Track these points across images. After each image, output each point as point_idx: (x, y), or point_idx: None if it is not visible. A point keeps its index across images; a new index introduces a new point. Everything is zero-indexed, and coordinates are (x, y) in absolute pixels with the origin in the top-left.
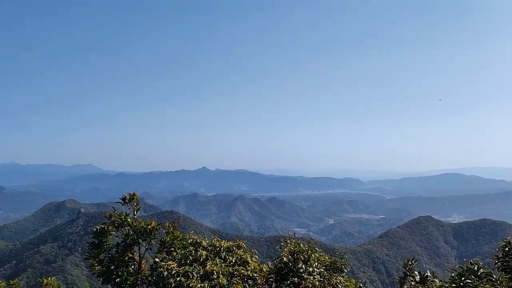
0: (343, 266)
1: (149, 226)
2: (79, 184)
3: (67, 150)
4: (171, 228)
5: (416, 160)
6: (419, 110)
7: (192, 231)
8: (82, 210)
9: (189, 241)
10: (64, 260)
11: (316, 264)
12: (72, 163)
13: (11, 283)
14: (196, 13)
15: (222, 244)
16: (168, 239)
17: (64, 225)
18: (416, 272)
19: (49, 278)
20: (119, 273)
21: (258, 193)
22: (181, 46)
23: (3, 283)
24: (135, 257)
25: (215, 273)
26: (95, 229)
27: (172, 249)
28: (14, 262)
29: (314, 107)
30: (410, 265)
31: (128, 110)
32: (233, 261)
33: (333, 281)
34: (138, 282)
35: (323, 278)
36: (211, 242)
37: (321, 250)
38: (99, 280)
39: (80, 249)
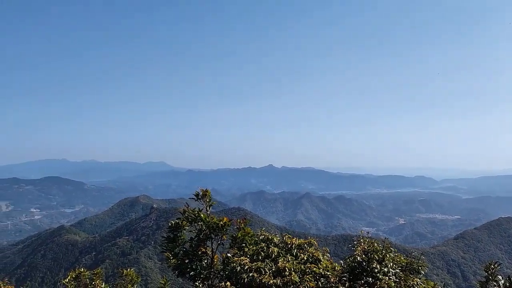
0: (420, 268)
1: (221, 222)
2: (152, 180)
3: (141, 148)
4: (242, 225)
5: (493, 158)
6: (498, 108)
7: (263, 228)
8: (155, 205)
9: (260, 238)
10: (139, 252)
11: (391, 264)
12: (145, 160)
13: (95, 272)
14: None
15: (293, 242)
16: (239, 235)
17: (138, 219)
18: (500, 277)
19: (129, 269)
20: (193, 267)
21: (324, 191)
22: (247, 47)
23: (87, 272)
24: (208, 252)
25: (287, 270)
26: (170, 224)
27: (244, 245)
28: (94, 253)
29: (379, 107)
30: (493, 269)
31: (198, 110)
32: (305, 258)
33: (410, 283)
34: (211, 276)
35: (398, 279)
36: (282, 239)
37: (396, 250)
38: (174, 273)
39: (153, 242)
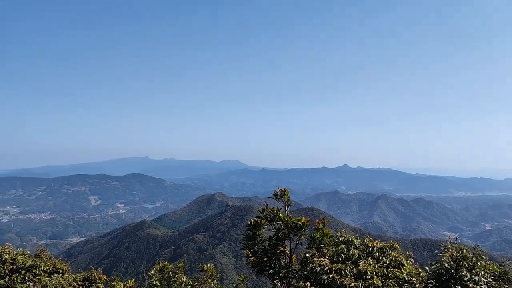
0: None
1: (300, 222)
2: (227, 178)
3: (217, 147)
4: (321, 225)
5: None
6: None
7: (343, 229)
8: (230, 203)
9: (340, 239)
10: (214, 249)
11: (483, 273)
12: (221, 159)
13: (178, 266)
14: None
15: (375, 244)
16: (318, 236)
17: (214, 216)
18: None
19: (209, 265)
20: (272, 265)
21: (402, 192)
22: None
23: (170, 265)
24: (286, 251)
25: (369, 273)
26: (249, 222)
27: (322, 245)
28: (172, 247)
29: (465, 106)
30: None
31: (275, 107)
32: (387, 262)
33: None
34: (289, 275)
35: None
36: (363, 241)
37: (487, 258)
38: (253, 270)
39: (228, 239)
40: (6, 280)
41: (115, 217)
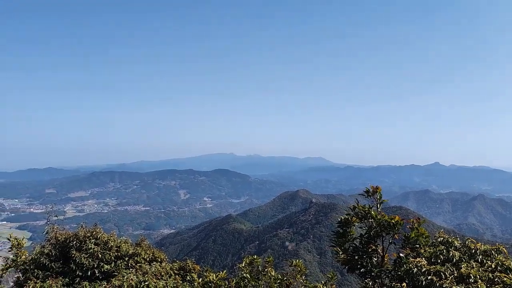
0: None
1: (393, 221)
2: (311, 175)
3: (300, 144)
4: (416, 224)
5: None
6: None
7: (442, 230)
8: (313, 200)
9: (438, 240)
10: (298, 245)
11: None
12: (305, 156)
13: (268, 260)
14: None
15: (478, 247)
16: (412, 235)
17: (297, 213)
18: None
19: (297, 260)
20: (364, 264)
21: (503, 193)
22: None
23: (259, 259)
24: (378, 250)
25: (472, 277)
26: (339, 219)
27: (417, 246)
28: (257, 242)
29: None
30: None
31: (355, 104)
32: (493, 266)
33: None
34: (382, 274)
35: None
36: (465, 242)
37: None
38: (344, 268)
39: (311, 236)
40: (112, 266)
41: (203, 210)
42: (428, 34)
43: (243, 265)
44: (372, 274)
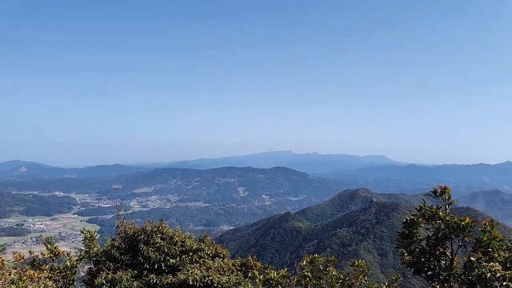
0: None
1: (463, 222)
2: (371, 174)
3: (361, 142)
4: (489, 227)
5: None
6: None
7: None
8: (374, 199)
9: None
10: (358, 245)
11: None
12: (365, 154)
13: (329, 259)
14: None
15: None
16: (485, 238)
17: (357, 212)
18: None
19: (360, 261)
20: (431, 266)
21: None
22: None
23: (320, 258)
24: (447, 253)
25: None
26: (405, 220)
27: (490, 249)
28: (315, 241)
29: None
30: None
31: (419, 100)
32: None
33: None
34: (450, 278)
35: None
36: None
37: None
38: (410, 270)
39: (372, 236)
40: (177, 260)
41: (261, 208)
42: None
43: (304, 264)
44: (440, 277)
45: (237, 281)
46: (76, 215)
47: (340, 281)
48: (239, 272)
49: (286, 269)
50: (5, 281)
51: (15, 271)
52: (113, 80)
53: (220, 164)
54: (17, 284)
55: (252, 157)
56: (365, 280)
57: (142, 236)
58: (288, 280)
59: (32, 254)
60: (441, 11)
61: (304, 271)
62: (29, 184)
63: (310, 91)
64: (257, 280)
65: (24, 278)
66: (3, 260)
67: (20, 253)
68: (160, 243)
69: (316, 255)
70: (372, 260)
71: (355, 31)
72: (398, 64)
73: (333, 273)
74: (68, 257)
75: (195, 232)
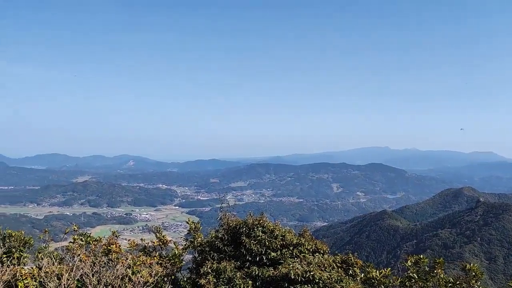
0: None
1: None
2: (478, 171)
3: (466, 136)
4: None
5: None
6: None
7: None
8: (481, 199)
9: None
10: (462, 247)
11: None
12: (471, 150)
13: (438, 261)
14: None
15: None
16: None
17: (461, 212)
18: None
19: (472, 264)
20: None
21: None
22: None
23: (426, 259)
24: None
25: None
26: None
27: None
28: (414, 241)
29: None
30: None
31: None
32: None
33: None
34: None
35: None
36: None
37: None
38: None
39: (479, 239)
40: (277, 254)
41: (356, 205)
42: None
43: (408, 264)
44: None
45: (339, 278)
46: (177, 207)
47: (450, 285)
48: (339, 269)
49: (389, 268)
50: (122, 265)
51: (131, 256)
52: (220, 81)
53: (313, 160)
54: (132, 269)
55: (346, 153)
56: (477, 285)
57: (244, 228)
58: (391, 281)
59: (143, 242)
60: None
61: (409, 272)
62: (136, 176)
63: (406, 86)
64: (358, 278)
65: (138, 263)
66: (119, 246)
67: (133, 240)
68: (261, 236)
69: (421, 256)
70: (479, 265)
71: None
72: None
73: (441, 276)
74: (175, 246)
75: (288, 227)
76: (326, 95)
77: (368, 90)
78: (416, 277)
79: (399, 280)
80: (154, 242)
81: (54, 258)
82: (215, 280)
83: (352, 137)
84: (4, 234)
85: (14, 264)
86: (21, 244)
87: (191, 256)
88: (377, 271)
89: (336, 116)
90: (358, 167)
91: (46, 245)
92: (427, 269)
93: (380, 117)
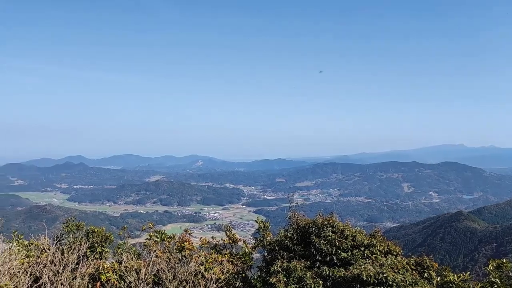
0: None
1: None
2: None
3: None
4: None
5: None
6: None
7: None
8: None
9: None
10: None
11: None
12: None
13: (505, 264)
14: None
15: None
16: None
17: None
18: None
19: None
20: None
21: None
22: None
23: (510, 264)
24: None
25: None
26: None
27: None
28: (494, 244)
29: None
30: None
31: None
32: None
33: None
34: None
35: None
36: None
37: None
38: None
39: None
40: (348, 254)
41: (428, 205)
42: None
43: (490, 269)
44: None
45: (413, 281)
46: (244, 206)
47: None
48: (414, 272)
49: (468, 273)
50: (196, 262)
51: (203, 253)
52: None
53: (382, 158)
54: (205, 265)
55: (417, 151)
56: None
57: (314, 228)
58: (470, 285)
59: (214, 240)
60: None
61: (490, 276)
62: (204, 176)
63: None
64: (433, 282)
65: (210, 260)
66: (192, 243)
67: (205, 237)
68: (331, 236)
69: (504, 260)
70: None
71: None
72: None
73: None
74: (244, 244)
75: (358, 227)
76: (396, 95)
77: (438, 88)
78: (499, 282)
79: (479, 286)
80: (224, 240)
81: (133, 254)
82: (285, 279)
83: (423, 135)
84: (88, 230)
85: (97, 258)
86: (103, 240)
87: (260, 254)
88: (455, 275)
89: (404, 116)
90: (431, 166)
91: (125, 241)
92: (510, 274)
93: (453, 114)
